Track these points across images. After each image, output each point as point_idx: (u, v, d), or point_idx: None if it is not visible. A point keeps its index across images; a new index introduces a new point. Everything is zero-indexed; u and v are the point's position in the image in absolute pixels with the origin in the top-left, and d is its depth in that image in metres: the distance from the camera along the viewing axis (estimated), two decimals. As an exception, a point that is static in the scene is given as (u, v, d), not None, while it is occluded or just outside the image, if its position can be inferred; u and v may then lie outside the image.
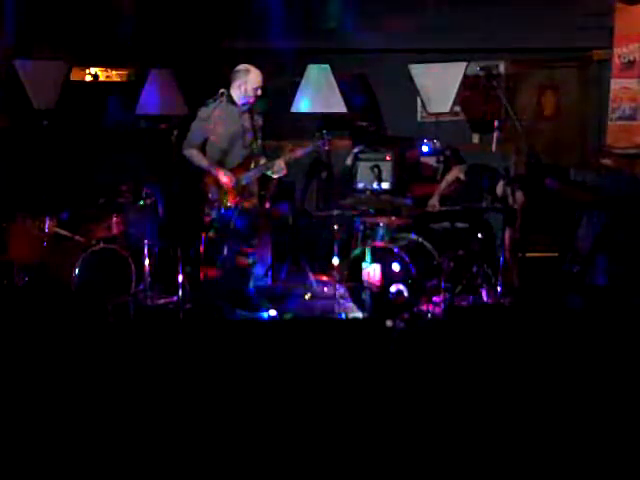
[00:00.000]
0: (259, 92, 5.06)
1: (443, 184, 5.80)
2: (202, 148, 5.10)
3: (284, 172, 5.16)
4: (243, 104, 5.09)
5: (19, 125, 5.98)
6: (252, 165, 5.15)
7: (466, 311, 5.14)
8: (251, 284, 5.21)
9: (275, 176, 5.20)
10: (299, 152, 5.18)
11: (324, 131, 5.13)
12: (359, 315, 5.08)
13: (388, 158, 5.99)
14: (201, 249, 5.11)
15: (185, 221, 5.06)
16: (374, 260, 5.03)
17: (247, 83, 5.02)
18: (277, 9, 6.48)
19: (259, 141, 5.18)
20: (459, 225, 5.34)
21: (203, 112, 5.05)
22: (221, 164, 5.09)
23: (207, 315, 4.97)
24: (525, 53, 7.04)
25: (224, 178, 5.01)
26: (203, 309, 5.01)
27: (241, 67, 5.08)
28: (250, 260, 5.17)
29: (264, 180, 5.31)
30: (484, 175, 5.49)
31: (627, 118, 6.57)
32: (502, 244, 5.28)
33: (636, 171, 5.94)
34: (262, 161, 5.17)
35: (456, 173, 5.78)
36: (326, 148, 5.17)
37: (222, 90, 5.04)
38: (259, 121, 5.21)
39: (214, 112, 5.01)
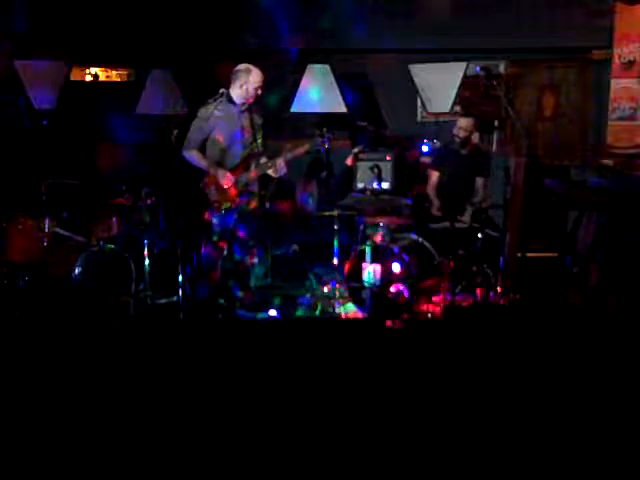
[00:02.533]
0: (259, 92, 5.06)
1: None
2: (202, 148, 5.10)
3: (284, 171, 5.16)
4: (243, 104, 5.09)
5: (19, 125, 5.98)
6: (252, 165, 5.16)
7: (466, 311, 5.14)
8: (251, 284, 5.21)
9: (275, 175, 5.21)
10: (299, 151, 5.17)
11: (324, 129, 5.13)
12: (359, 315, 5.08)
13: (388, 158, 5.98)
14: (201, 249, 5.12)
15: (185, 221, 5.06)
16: (374, 260, 5.03)
17: (247, 83, 5.02)
18: (277, 9, 6.48)
19: (259, 141, 5.18)
20: (459, 225, 5.34)
21: (203, 112, 5.05)
22: (221, 164, 5.09)
23: (207, 315, 4.97)
24: (525, 53, 7.02)
25: (224, 178, 5.01)
26: (203, 309, 5.01)
27: (241, 67, 5.07)
28: (250, 260, 5.17)
29: (264, 180, 5.31)
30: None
31: (627, 118, 6.56)
32: (503, 244, 5.28)
33: (636, 171, 5.93)
34: (262, 161, 5.18)
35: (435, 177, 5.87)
36: (326, 147, 5.17)
37: (222, 90, 5.03)
38: (259, 121, 5.21)
39: (214, 112, 5.01)
